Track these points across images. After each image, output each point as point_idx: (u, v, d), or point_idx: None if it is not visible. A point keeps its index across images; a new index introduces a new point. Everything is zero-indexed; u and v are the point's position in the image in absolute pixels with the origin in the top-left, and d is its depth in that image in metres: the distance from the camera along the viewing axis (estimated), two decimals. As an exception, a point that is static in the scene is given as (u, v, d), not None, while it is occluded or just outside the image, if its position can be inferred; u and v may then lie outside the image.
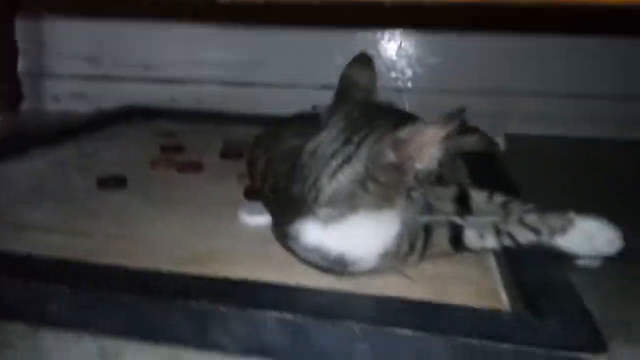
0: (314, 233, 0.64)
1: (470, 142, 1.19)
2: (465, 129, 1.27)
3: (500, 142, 1.20)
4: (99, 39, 1.83)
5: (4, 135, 1.54)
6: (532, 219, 0.68)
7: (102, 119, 1.55)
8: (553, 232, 0.67)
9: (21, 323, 0.58)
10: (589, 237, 0.67)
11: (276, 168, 0.78)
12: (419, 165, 0.59)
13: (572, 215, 0.68)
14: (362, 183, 0.60)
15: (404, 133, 0.58)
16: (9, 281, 0.59)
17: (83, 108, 1.79)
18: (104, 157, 1.21)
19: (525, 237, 0.67)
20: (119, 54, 1.83)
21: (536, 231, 0.67)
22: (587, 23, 1.52)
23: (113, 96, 1.78)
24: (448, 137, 0.58)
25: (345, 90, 0.72)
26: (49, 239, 0.77)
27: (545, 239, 0.67)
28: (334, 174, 0.61)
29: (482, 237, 0.69)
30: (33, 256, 0.64)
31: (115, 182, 0.99)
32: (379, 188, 0.60)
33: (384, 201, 0.61)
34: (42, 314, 0.58)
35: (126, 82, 1.82)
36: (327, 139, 0.64)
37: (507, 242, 0.68)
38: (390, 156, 0.59)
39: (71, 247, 0.74)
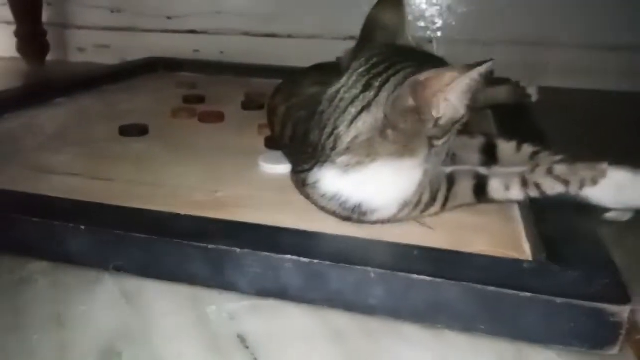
0: (331, 181, 0.63)
1: (502, 93, 1.15)
2: (497, 80, 1.23)
3: (533, 93, 1.15)
4: (121, -12, 1.81)
5: (30, 84, 1.56)
6: (561, 169, 0.65)
7: (125, 70, 1.55)
8: (583, 183, 0.64)
9: (43, 260, 0.60)
10: (620, 189, 0.64)
11: (296, 115, 0.76)
12: (435, 112, 0.56)
13: (604, 165, 0.64)
14: (381, 130, 0.58)
15: (423, 76, 0.55)
16: (30, 220, 0.60)
17: (107, 59, 1.80)
18: (126, 107, 1.21)
19: (553, 188, 0.64)
20: (142, 4, 1.81)
21: (565, 182, 0.64)
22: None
23: (136, 47, 1.77)
24: (470, 85, 0.55)
25: (370, 33, 0.68)
26: (71, 183, 0.78)
27: (574, 190, 0.64)
28: (352, 121, 0.59)
29: (507, 187, 0.67)
30: (54, 197, 0.65)
31: (137, 130, 1.00)
32: (399, 136, 0.58)
33: (404, 149, 0.59)
34: (61, 252, 0.59)
35: (149, 33, 1.81)
36: (346, 85, 0.62)
37: (534, 193, 0.65)
38: (409, 101, 0.56)
39: (92, 190, 0.75)
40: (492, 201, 0.68)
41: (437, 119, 0.57)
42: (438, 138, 0.59)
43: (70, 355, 0.47)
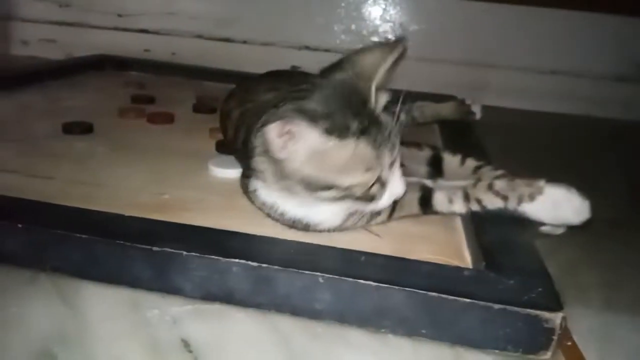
0: (267, 192, 0.63)
1: (447, 109, 1.19)
2: (443, 97, 1.27)
3: (477, 110, 1.20)
4: (71, -18, 1.75)
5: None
6: (501, 185, 0.68)
7: (72, 66, 1.50)
8: (521, 199, 0.66)
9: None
10: (556, 206, 0.66)
11: (248, 121, 0.76)
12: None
13: (541, 183, 0.67)
14: None
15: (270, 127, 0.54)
16: (-39, 217, 0.56)
17: (52, 54, 1.72)
18: (70, 104, 1.16)
19: (492, 203, 0.67)
20: (92, 0, 1.75)
21: (504, 197, 0.67)
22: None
23: (84, 43, 1.71)
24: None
25: (338, 64, 0.63)
26: (7, 180, 0.74)
27: (512, 205, 0.66)
28: None
29: (450, 201, 0.69)
30: (-12, 194, 0.62)
31: (81, 128, 0.96)
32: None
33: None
34: (-4, 251, 0.56)
35: (98, 30, 1.75)
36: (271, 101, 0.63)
37: (475, 207, 0.68)
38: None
39: (30, 188, 0.71)
40: (436, 213, 0.70)
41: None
42: None
43: (2, 358, 0.45)
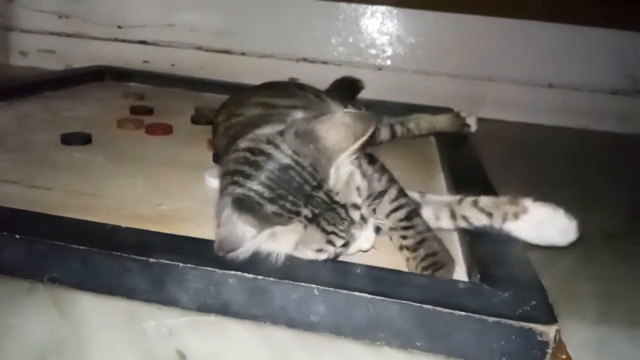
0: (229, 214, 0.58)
1: (443, 121, 1.20)
2: (438, 109, 1.28)
3: (472, 123, 1.21)
4: (71, -6, 1.76)
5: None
6: (486, 202, 0.67)
7: (71, 77, 1.50)
8: (505, 217, 0.65)
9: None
10: (541, 226, 0.63)
11: (233, 136, 0.75)
12: None
13: (527, 202, 0.64)
14: None
15: None
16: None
17: (51, 65, 1.74)
18: (69, 115, 1.17)
19: (478, 220, 0.66)
20: (92, 11, 1.76)
21: (489, 214, 0.66)
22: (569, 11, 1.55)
23: (83, 54, 1.73)
24: None
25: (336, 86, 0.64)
26: (6, 190, 0.75)
27: (497, 223, 0.65)
28: None
29: (437, 217, 0.69)
30: (-13, 204, 0.63)
31: (79, 139, 0.97)
32: None
33: None
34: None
35: (97, 41, 1.76)
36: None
37: (462, 224, 0.68)
38: None
39: (29, 199, 0.72)
40: None
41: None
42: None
43: (-3, 369, 0.45)
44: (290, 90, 1.02)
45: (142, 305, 0.54)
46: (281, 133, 0.56)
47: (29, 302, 0.53)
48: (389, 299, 0.50)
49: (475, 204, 0.67)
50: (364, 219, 0.57)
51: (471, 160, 0.98)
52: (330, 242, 0.54)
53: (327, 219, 0.53)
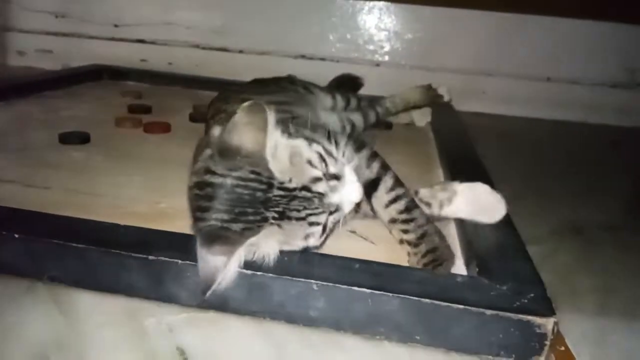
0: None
1: (415, 95, 1.20)
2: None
3: (444, 93, 1.22)
4: (68, -7, 1.76)
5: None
6: (424, 193, 0.69)
7: (69, 76, 1.50)
8: (442, 204, 0.68)
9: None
10: (472, 204, 0.68)
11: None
12: None
13: (455, 185, 0.69)
14: None
15: None
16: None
17: (49, 64, 1.73)
18: (67, 114, 1.17)
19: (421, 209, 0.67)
20: (89, 11, 1.76)
21: (428, 204, 0.68)
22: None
23: (81, 54, 1.72)
24: None
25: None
26: (5, 190, 0.75)
27: (436, 211, 0.68)
28: None
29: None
30: (-15, 204, 0.63)
31: (78, 138, 0.97)
32: None
33: None
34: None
35: (95, 40, 1.76)
36: None
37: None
38: None
39: (27, 198, 0.72)
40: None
41: None
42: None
43: (-3, 367, 0.45)
44: (280, 85, 1.03)
45: (142, 303, 0.54)
46: (212, 156, 0.55)
47: (29, 300, 0.54)
48: (388, 294, 0.50)
49: (416, 194, 0.69)
50: (336, 177, 0.56)
51: (470, 155, 0.98)
52: (312, 224, 0.54)
53: (296, 209, 0.53)
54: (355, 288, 0.51)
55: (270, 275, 0.52)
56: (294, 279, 0.52)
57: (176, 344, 0.49)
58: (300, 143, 0.56)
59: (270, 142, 0.53)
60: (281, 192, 0.52)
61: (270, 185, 0.52)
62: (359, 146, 0.69)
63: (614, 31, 1.61)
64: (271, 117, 0.53)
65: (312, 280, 0.52)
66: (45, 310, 0.52)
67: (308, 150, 0.55)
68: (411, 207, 0.66)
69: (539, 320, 0.49)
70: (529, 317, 0.49)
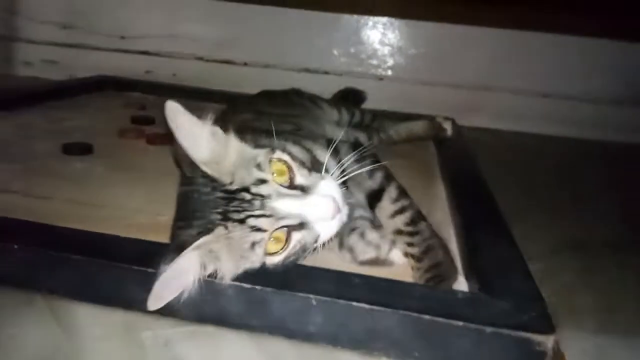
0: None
1: (419, 127, 1.21)
2: (413, 116, 1.28)
3: (448, 127, 1.23)
4: (74, 5, 1.78)
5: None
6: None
7: (73, 87, 1.51)
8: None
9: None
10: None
11: None
12: None
13: None
14: None
15: None
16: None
17: (54, 75, 1.75)
18: (71, 125, 1.18)
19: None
20: (95, 22, 1.78)
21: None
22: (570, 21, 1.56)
23: (86, 64, 1.74)
24: None
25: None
26: (6, 200, 0.75)
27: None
28: None
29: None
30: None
31: (80, 148, 0.97)
32: None
33: None
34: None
35: (100, 51, 1.77)
36: None
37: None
38: None
39: (29, 209, 0.72)
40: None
41: None
42: None
43: (-6, 380, 0.45)
44: (288, 98, 1.03)
45: (140, 316, 0.54)
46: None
47: (27, 313, 0.54)
48: (387, 309, 0.50)
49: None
50: (302, 188, 0.53)
51: (471, 169, 0.98)
52: (253, 228, 0.51)
53: (235, 210, 0.52)
54: (355, 303, 0.51)
55: (269, 289, 0.52)
56: (293, 293, 0.52)
57: (173, 358, 0.49)
58: (258, 150, 0.56)
59: (208, 149, 0.53)
60: (222, 194, 0.52)
61: (214, 188, 0.53)
62: (362, 156, 0.67)
63: (611, 49, 1.61)
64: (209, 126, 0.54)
65: (311, 295, 0.51)
66: (44, 323, 0.52)
67: (263, 156, 0.55)
68: (417, 219, 0.66)
69: (539, 338, 0.48)
70: (529, 335, 0.48)
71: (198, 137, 0.54)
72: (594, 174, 1.31)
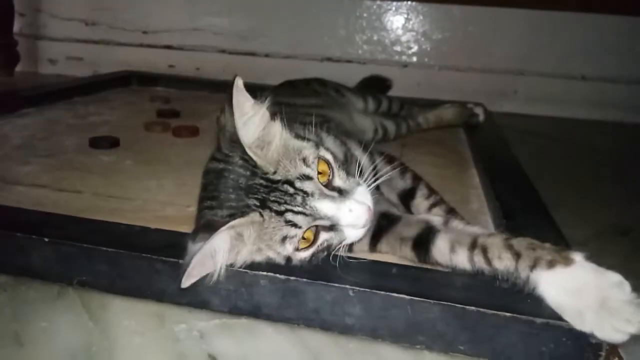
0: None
1: (449, 114, 1.18)
2: (442, 102, 1.24)
3: (480, 112, 1.19)
4: (97, 2, 1.79)
5: (-3, 94, 1.51)
6: (515, 242, 0.52)
7: (98, 82, 1.52)
8: (536, 264, 0.48)
9: (3, 274, 0.56)
10: (579, 292, 0.46)
11: None
12: None
13: (574, 253, 0.49)
14: None
15: None
16: (-10, 231, 0.56)
17: (79, 72, 1.76)
18: (97, 119, 1.18)
19: (500, 258, 0.53)
20: (118, 18, 1.78)
21: (516, 254, 0.52)
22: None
23: (110, 60, 1.75)
24: None
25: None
26: (36, 194, 0.74)
27: (521, 268, 0.49)
28: None
29: (453, 248, 0.55)
30: (17, 208, 0.62)
31: (107, 142, 0.97)
32: None
33: None
34: (23, 265, 0.56)
35: (124, 47, 1.78)
36: None
37: (477, 259, 0.53)
38: None
39: (58, 202, 0.71)
40: (433, 264, 0.56)
41: None
42: None
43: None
44: (311, 88, 1.01)
45: (172, 308, 0.53)
46: (222, 143, 0.54)
47: (59, 305, 0.53)
48: (428, 300, 0.48)
49: (506, 240, 0.52)
50: (340, 190, 0.52)
51: (506, 155, 0.95)
52: (289, 223, 0.50)
53: (276, 201, 0.50)
54: (394, 294, 0.48)
55: (305, 280, 0.50)
56: (329, 284, 0.50)
57: (208, 351, 0.48)
58: (302, 143, 0.54)
59: (256, 133, 0.52)
60: (262, 182, 0.51)
61: (254, 174, 0.51)
62: (390, 159, 0.69)
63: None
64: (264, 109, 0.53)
65: (348, 286, 0.49)
66: (75, 316, 0.51)
67: (309, 150, 0.53)
68: (449, 211, 0.66)
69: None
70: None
71: (250, 118, 0.52)
72: (634, 158, 1.26)
